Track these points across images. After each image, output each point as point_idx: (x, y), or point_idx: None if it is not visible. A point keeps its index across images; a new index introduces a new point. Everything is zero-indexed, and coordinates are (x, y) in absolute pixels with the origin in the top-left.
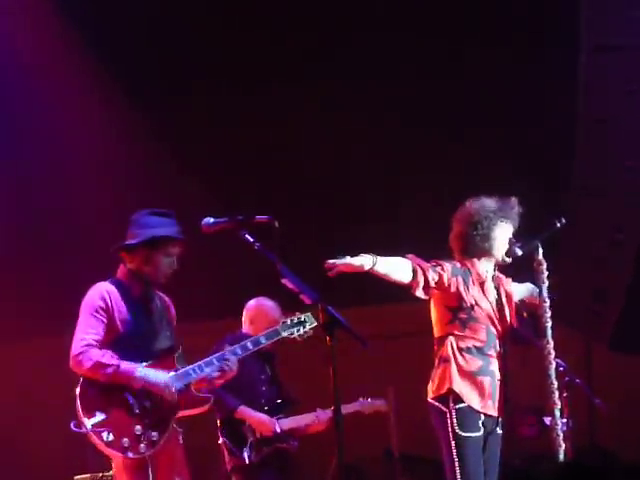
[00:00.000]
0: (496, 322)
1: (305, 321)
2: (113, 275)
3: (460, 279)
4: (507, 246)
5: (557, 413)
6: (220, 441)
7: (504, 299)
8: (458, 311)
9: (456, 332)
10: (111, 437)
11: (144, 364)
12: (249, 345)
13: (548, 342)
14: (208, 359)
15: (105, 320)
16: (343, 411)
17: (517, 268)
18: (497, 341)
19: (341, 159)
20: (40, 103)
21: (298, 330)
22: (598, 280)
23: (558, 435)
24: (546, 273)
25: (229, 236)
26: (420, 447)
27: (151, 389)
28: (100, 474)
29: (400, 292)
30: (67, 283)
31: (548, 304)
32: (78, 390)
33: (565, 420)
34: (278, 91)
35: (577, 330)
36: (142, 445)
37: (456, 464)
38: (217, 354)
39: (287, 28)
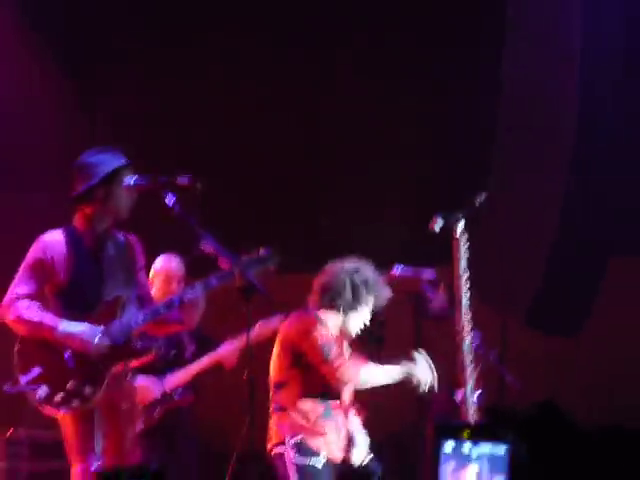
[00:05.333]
0: None
1: (266, 258)
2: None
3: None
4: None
5: (469, 387)
6: None
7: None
8: None
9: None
10: (44, 393)
11: (86, 315)
12: (199, 288)
13: (463, 316)
14: (153, 308)
15: (43, 274)
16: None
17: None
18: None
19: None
20: None
21: (256, 267)
22: (516, 257)
23: (469, 408)
24: (465, 247)
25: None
26: None
27: (72, 345)
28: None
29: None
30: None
31: (465, 278)
32: (17, 347)
33: (478, 392)
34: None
35: (493, 306)
36: (75, 401)
37: None
38: (163, 302)
39: None
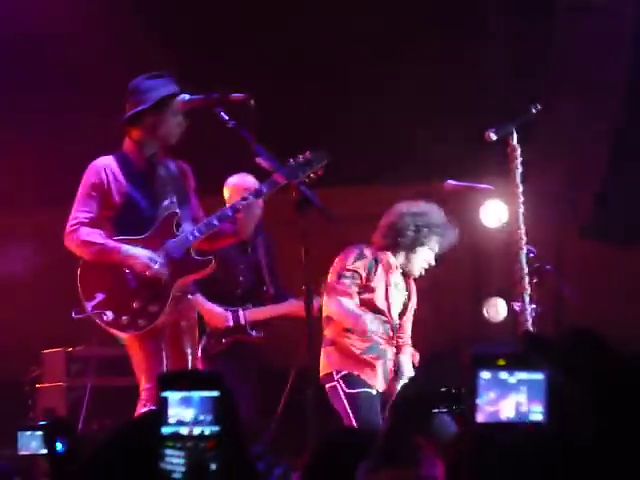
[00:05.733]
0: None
1: (315, 159)
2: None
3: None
4: (425, 267)
5: (526, 298)
6: None
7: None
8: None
9: None
10: (111, 316)
11: (141, 236)
12: (250, 197)
13: (519, 228)
14: (206, 220)
15: (100, 197)
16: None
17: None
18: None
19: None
20: None
21: (304, 170)
22: (573, 167)
23: (527, 320)
24: (520, 159)
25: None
26: None
27: (134, 266)
28: (69, 349)
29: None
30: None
31: (520, 190)
32: (79, 274)
33: (534, 306)
34: None
35: (549, 216)
36: (141, 321)
37: None
38: (216, 214)
39: None
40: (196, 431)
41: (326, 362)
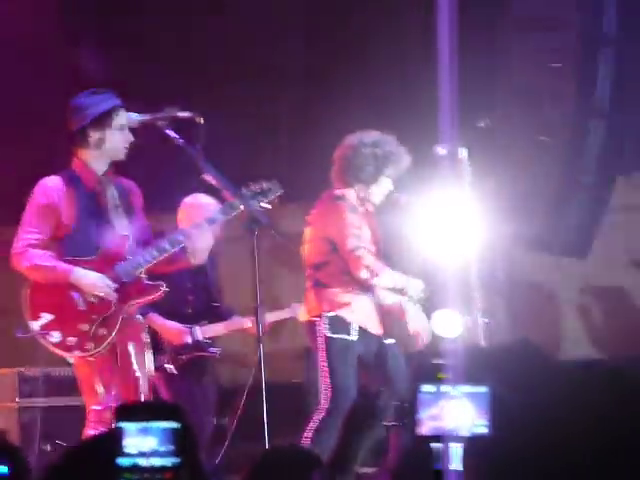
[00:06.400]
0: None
1: (269, 189)
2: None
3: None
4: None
5: (477, 313)
6: None
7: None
8: None
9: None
10: (58, 338)
11: (92, 257)
12: (204, 223)
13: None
14: (158, 245)
15: (48, 218)
16: (275, 317)
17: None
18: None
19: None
20: None
21: (260, 200)
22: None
23: (479, 333)
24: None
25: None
26: None
27: (85, 289)
28: (22, 369)
29: None
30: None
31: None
32: (27, 292)
33: (487, 320)
34: None
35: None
36: (89, 343)
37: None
38: (168, 238)
39: None
40: (156, 462)
41: None
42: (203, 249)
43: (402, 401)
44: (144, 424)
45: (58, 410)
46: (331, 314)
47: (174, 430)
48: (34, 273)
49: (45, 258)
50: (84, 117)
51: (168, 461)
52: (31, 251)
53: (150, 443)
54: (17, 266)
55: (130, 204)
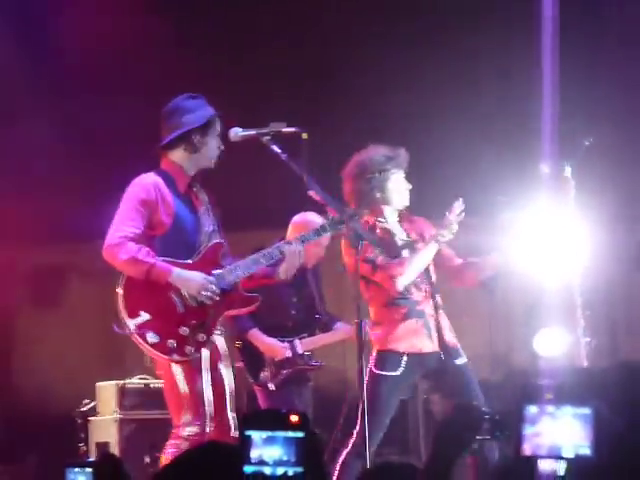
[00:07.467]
0: None
1: (355, 213)
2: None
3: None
4: (404, 193)
5: (580, 330)
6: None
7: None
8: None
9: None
10: (156, 338)
11: (189, 261)
12: (299, 240)
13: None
14: (254, 256)
15: (147, 214)
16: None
17: None
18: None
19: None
20: None
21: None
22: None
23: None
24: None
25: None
26: None
27: (187, 290)
28: (122, 382)
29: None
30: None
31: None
32: (121, 289)
33: (588, 339)
34: None
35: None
36: (188, 347)
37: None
38: (264, 251)
39: None
40: (279, 471)
41: None
42: (291, 268)
43: (493, 415)
44: (269, 433)
45: (157, 422)
46: (377, 350)
47: (299, 439)
48: (130, 267)
49: (144, 253)
50: (191, 119)
51: (292, 470)
52: (128, 243)
53: (275, 452)
54: (112, 259)
55: (215, 213)
